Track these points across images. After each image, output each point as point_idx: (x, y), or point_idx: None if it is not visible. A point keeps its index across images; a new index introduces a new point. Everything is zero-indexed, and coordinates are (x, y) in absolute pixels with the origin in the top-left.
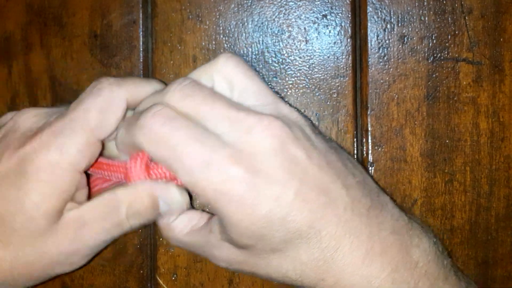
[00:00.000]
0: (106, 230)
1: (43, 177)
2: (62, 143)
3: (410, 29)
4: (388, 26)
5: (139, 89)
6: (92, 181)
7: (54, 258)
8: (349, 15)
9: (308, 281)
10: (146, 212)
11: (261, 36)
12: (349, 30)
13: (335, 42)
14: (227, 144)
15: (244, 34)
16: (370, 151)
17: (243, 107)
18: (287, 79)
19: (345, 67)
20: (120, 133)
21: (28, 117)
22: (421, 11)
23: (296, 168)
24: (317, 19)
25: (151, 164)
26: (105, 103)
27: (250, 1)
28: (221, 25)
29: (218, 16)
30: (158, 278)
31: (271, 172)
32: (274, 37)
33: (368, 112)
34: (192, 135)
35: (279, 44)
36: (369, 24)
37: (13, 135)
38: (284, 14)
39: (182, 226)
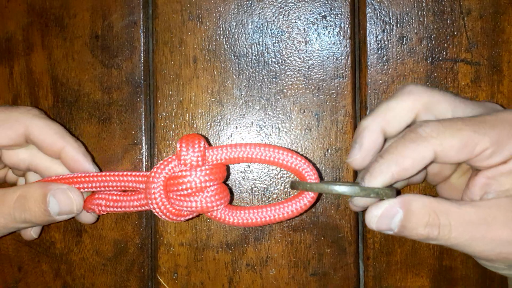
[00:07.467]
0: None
1: None
2: None
3: (409, 30)
4: (387, 27)
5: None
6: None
7: None
8: (348, 16)
9: None
10: (34, 208)
11: (261, 37)
12: (348, 31)
13: (334, 43)
14: None
15: (244, 35)
16: None
17: None
18: (286, 79)
19: (344, 68)
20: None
21: None
22: (420, 12)
23: None
24: (317, 20)
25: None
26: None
27: (250, 2)
28: (221, 26)
29: (218, 17)
30: (159, 277)
31: None
32: (273, 38)
33: (367, 112)
34: None
35: (278, 45)
36: (368, 25)
37: None
38: (284, 15)
39: None
